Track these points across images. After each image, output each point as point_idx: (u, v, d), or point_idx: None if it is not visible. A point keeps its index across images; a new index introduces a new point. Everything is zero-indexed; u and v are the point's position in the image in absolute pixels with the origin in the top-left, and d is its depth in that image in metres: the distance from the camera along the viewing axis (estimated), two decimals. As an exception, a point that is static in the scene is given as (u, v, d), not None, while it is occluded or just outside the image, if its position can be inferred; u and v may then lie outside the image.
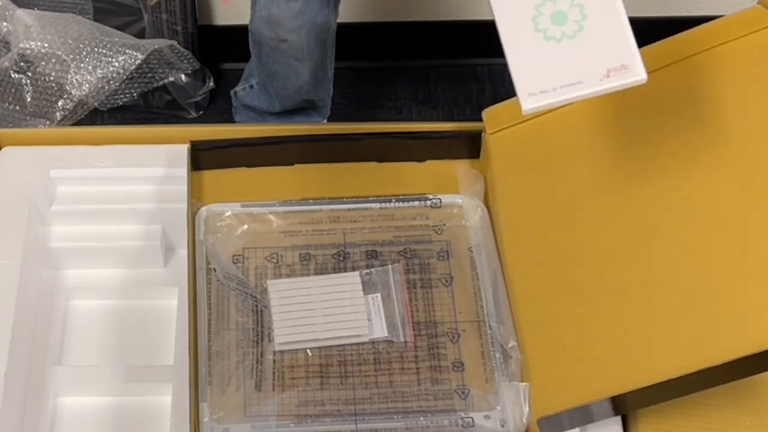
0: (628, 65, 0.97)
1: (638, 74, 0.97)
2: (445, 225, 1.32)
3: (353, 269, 1.27)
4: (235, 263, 1.27)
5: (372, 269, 1.26)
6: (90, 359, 1.26)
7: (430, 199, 1.33)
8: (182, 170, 1.30)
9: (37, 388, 1.21)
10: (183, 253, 1.29)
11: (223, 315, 1.23)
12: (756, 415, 1.14)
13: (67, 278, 1.32)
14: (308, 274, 1.27)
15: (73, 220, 1.31)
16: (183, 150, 1.32)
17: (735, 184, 1.12)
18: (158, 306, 1.30)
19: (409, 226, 1.31)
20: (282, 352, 1.20)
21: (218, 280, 1.25)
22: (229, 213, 1.31)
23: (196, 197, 1.32)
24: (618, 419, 1.14)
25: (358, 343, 1.21)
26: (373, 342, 1.22)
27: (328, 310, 1.23)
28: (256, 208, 1.31)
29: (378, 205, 1.33)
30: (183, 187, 1.28)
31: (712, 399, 1.12)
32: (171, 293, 1.30)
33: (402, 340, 1.22)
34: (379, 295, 1.24)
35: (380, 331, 1.22)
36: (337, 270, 1.27)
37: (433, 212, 1.33)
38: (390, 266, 1.27)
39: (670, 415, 1.13)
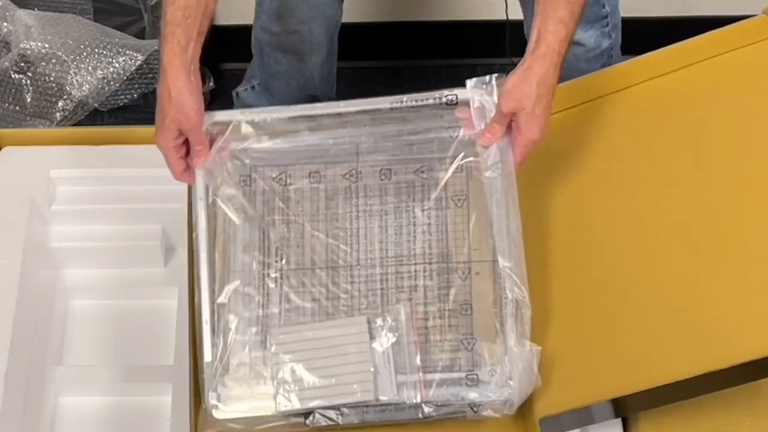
0: None
1: None
2: (460, 130, 1.20)
3: (365, 194, 1.20)
4: (242, 185, 1.21)
5: (378, 318, 1.17)
6: (90, 359, 1.26)
7: (446, 96, 1.19)
8: (182, 170, 1.30)
9: (37, 388, 1.21)
10: (183, 253, 1.29)
11: (229, 260, 1.18)
12: (756, 415, 1.14)
13: (67, 278, 1.32)
14: (318, 201, 1.21)
15: (73, 220, 1.31)
16: (183, 150, 1.32)
17: (737, 189, 1.12)
18: (158, 306, 1.30)
19: (424, 130, 1.21)
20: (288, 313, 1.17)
21: (224, 212, 1.19)
22: (233, 122, 1.20)
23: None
24: (618, 421, 1.14)
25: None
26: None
27: (332, 369, 1.15)
28: (260, 114, 1.21)
29: (388, 105, 1.20)
30: (183, 187, 1.28)
31: (712, 400, 1.12)
32: (171, 293, 1.30)
33: (412, 401, 1.15)
34: (388, 340, 1.16)
35: (388, 390, 1.15)
36: (348, 196, 1.20)
37: (449, 113, 1.20)
38: (400, 306, 1.17)
39: (671, 416, 1.13)
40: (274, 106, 1.22)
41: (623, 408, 1.10)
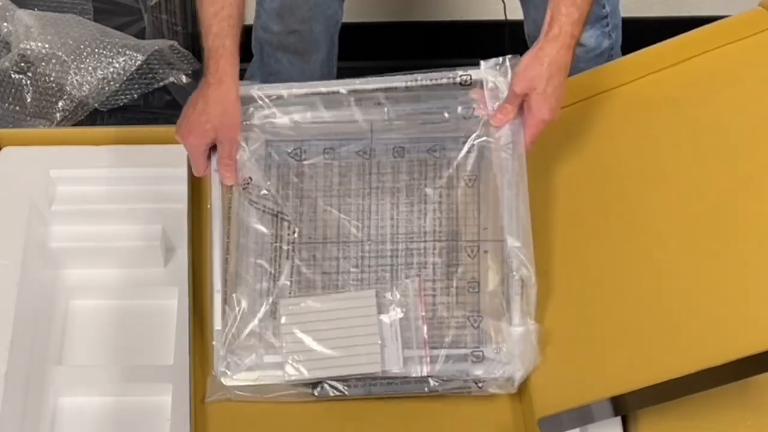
0: None
1: None
2: (473, 110, 1.22)
3: (378, 171, 1.22)
4: (257, 159, 1.23)
5: (387, 293, 1.19)
6: (90, 359, 1.26)
7: (460, 75, 1.23)
8: (182, 170, 1.30)
9: (37, 388, 1.21)
10: (183, 253, 1.29)
11: (243, 231, 1.20)
12: (757, 414, 1.14)
13: (67, 278, 1.32)
14: (331, 177, 1.22)
15: (73, 220, 1.31)
16: (183, 150, 1.32)
17: (735, 185, 1.12)
18: (158, 306, 1.30)
19: (438, 109, 1.22)
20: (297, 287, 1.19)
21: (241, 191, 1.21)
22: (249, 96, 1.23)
23: (196, 197, 1.31)
24: (618, 420, 1.14)
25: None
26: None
27: (340, 341, 1.17)
28: (277, 90, 1.24)
29: (403, 83, 1.22)
30: (183, 187, 1.28)
31: (712, 399, 1.12)
32: (171, 293, 1.30)
33: (418, 374, 1.16)
34: (396, 314, 1.18)
35: (395, 363, 1.16)
36: (361, 172, 1.22)
37: (463, 93, 1.23)
38: (408, 281, 1.19)
39: (670, 415, 1.13)
40: (291, 83, 1.25)
41: (623, 406, 1.10)
